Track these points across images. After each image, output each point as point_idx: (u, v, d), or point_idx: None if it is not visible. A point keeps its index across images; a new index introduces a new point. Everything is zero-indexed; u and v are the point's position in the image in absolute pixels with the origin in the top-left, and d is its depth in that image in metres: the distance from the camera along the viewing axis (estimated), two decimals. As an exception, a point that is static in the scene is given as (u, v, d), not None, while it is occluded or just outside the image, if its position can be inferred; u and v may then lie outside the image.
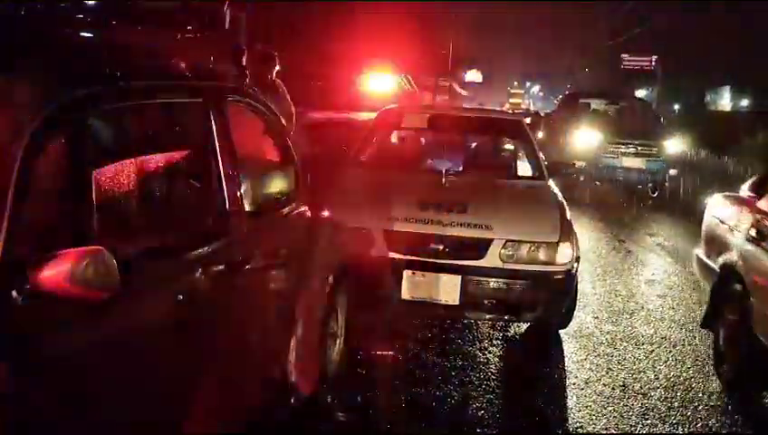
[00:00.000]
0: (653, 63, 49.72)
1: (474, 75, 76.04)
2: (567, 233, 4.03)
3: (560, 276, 3.91)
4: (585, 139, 11.53)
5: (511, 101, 59.10)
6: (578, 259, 4.21)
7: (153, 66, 2.37)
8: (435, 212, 4.05)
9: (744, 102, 36.30)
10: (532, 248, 3.92)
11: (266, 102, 3.14)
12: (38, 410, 1.42)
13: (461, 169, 5.19)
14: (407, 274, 3.83)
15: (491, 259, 3.89)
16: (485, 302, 3.87)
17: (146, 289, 1.81)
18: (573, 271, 4.00)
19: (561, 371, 3.84)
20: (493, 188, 4.65)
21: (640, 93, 56.11)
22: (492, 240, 3.91)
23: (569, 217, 4.32)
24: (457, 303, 3.84)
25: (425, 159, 5.41)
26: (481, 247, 3.90)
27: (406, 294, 3.84)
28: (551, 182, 4.99)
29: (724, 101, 38.45)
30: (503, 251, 3.89)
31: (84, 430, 1.57)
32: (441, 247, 3.92)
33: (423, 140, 6.13)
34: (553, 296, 3.92)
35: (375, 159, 5.28)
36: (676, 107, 42.82)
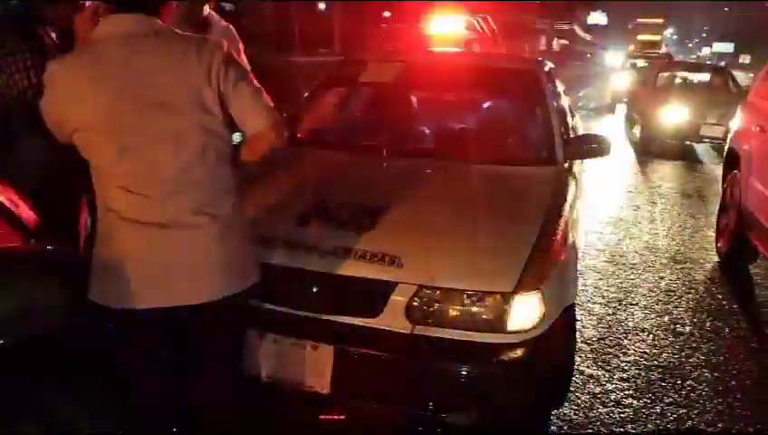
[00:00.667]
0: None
1: (598, 17, 70.23)
2: (539, 274, 2.29)
3: (512, 354, 2.21)
4: None
5: (641, 38, 48.05)
6: (569, 315, 2.48)
7: None
8: (317, 229, 2.45)
9: None
10: (466, 302, 2.24)
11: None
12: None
13: (431, 145, 3.48)
14: (253, 336, 2.27)
15: (391, 317, 2.25)
16: (377, 392, 2.25)
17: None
18: (545, 341, 2.27)
19: None
20: (444, 185, 2.91)
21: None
22: (395, 285, 2.26)
23: (562, 241, 2.56)
24: (327, 391, 2.25)
25: (380, 131, 3.65)
26: (377, 296, 2.27)
27: (252, 368, 2.30)
28: (563, 171, 3.20)
29: None
30: (413, 304, 2.25)
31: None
32: (311, 292, 2.33)
33: (414, 99, 4.31)
34: (499, 388, 2.22)
35: (316, 131, 3.70)
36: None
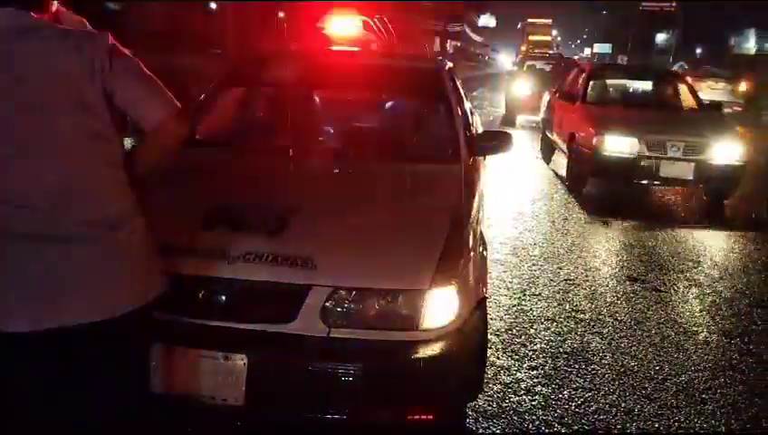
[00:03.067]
0: (674, 5, 47.10)
1: (487, 20, 72.91)
2: (452, 269, 2.31)
3: (429, 351, 2.20)
4: None
5: (532, 39, 45.02)
6: (481, 309, 2.51)
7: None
8: (224, 234, 2.34)
9: (771, 45, 34.00)
10: (382, 301, 2.22)
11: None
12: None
13: (338, 145, 3.44)
14: (158, 350, 2.14)
15: (306, 322, 2.19)
16: (293, 401, 2.18)
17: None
18: (460, 336, 2.28)
19: None
20: (353, 184, 2.89)
21: (660, 37, 53.25)
22: (310, 287, 2.21)
23: (472, 236, 2.60)
24: (241, 403, 2.16)
25: (285, 132, 3.56)
26: (290, 301, 2.20)
27: (161, 384, 2.16)
28: (468, 167, 3.25)
29: (749, 44, 36.02)
30: (328, 307, 2.20)
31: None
32: (220, 300, 2.23)
33: (318, 99, 4.24)
34: (417, 386, 2.21)
35: (217, 133, 3.57)
36: (699, 51, 40.90)
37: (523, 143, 10.99)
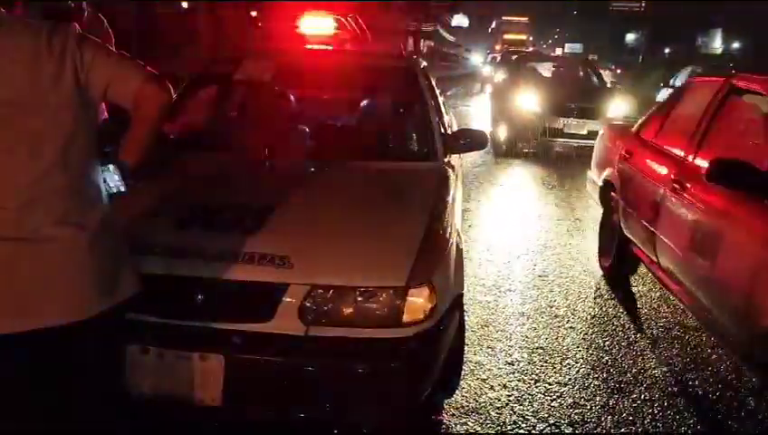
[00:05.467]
0: (643, 5, 47.77)
1: (460, 19, 73.26)
2: (429, 266, 2.32)
3: (407, 347, 2.20)
4: None
5: (507, 37, 44.87)
6: (457, 305, 2.53)
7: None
8: (199, 233, 2.33)
9: (736, 45, 34.77)
10: (360, 299, 2.22)
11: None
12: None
13: (314, 144, 3.43)
14: (134, 351, 2.12)
15: (283, 320, 2.18)
16: (272, 400, 2.17)
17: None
18: (438, 332, 2.30)
19: None
20: (329, 183, 2.89)
21: (630, 37, 53.98)
22: (287, 286, 2.20)
23: (448, 233, 2.62)
24: (218, 403, 2.15)
25: (260, 131, 3.54)
26: (267, 299, 2.19)
27: (136, 386, 2.14)
28: (444, 165, 3.27)
29: (716, 43, 36.81)
30: (306, 305, 2.19)
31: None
32: (196, 300, 2.21)
33: (293, 98, 4.21)
34: (396, 382, 2.21)
35: (189, 132, 3.52)
36: (667, 50, 41.59)
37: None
